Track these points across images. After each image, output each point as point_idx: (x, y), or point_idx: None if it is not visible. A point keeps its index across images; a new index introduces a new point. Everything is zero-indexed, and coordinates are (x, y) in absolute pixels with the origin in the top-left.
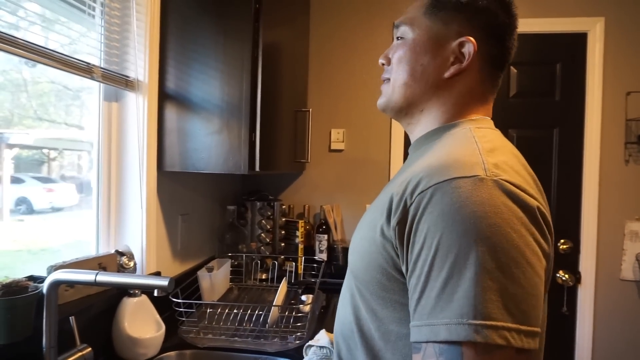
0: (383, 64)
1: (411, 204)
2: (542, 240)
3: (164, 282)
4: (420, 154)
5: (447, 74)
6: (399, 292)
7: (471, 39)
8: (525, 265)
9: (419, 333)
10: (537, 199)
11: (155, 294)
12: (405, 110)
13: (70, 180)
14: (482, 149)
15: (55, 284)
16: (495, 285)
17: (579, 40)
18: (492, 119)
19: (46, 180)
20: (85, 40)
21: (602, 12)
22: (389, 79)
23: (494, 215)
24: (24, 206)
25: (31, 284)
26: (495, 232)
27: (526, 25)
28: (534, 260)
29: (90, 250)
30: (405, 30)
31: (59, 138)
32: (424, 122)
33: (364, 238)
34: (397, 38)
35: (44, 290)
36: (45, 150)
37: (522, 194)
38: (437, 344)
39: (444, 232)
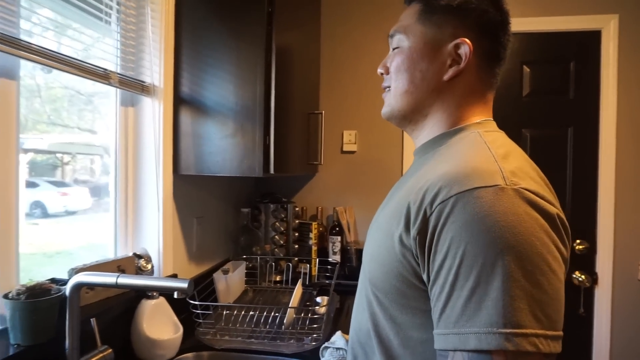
0: (382, 74)
1: (431, 213)
2: (561, 246)
3: (184, 284)
4: (428, 159)
5: (446, 77)
6: (420, 299)
7: (466, 40)
8: (549, 272)
9: (445, 341)
10: (555, 205)
11: (175, 296)
12: (409, 117)
13: (84, 184)
14: (497, 155)
15: (78, 287)
16: (522, 293)
17: (592, 38)
18: (505, 118)
19: (60, 184)
20: (101, 46)
21: (616, 10)
22: (389, 88)
23: (517, 224)
24: (38, 210)
25: (54, 286)
26: (520, 241)
27: (539, 23)
28: (555, 266)
29: (104, 253)
30: (400, 39)
31: (72, 142)
32: (429, 127)
33: (382, 246)
34: (394, 48)
35: (67, 293)
36: (59, 155)
37: (542, 201)
38: (466, 352)
39: (469, 242)
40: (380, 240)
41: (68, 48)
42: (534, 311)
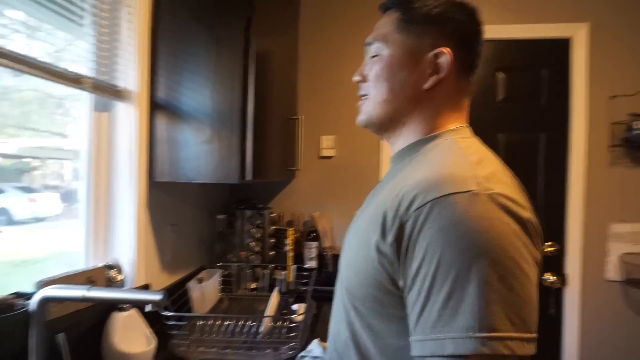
0: (359, 81)
1: (407, 219)
2: (533, 250)
3: (158, 297)
4: (405, 165)
5: (426, 86)
6: (397, 306)
7: (446, 49)
8: (522, 276)
9: (422, 347)
10: (528, 209)
11: (149, 308)
12: (387, 125)
13: (54, 189)
14: (471, 161)
15: (44, 301)
16: (497, 297)
17: (563, 46)
18: (480, 123)
19: (28, 190)
20: (74, 50)
21: (585, 18)
22: (366, 96)
23: (490, 229)
24: (4, 217)
25: (18, 301)
26: (494, 245)
27: (512, 31)
28: (528, 270)
29: (75, 261)
30: (379, 47)
31: (42, 147)
32: (406, 135)
33: (358, 254)
34: (372, 56)
35: (33, 308)
36: (27, 160)
37: (514, 206)
38: (443, 357)
39: (444, 248)
40: (356, 247)
41: (39, 51)
42: (509, 315)
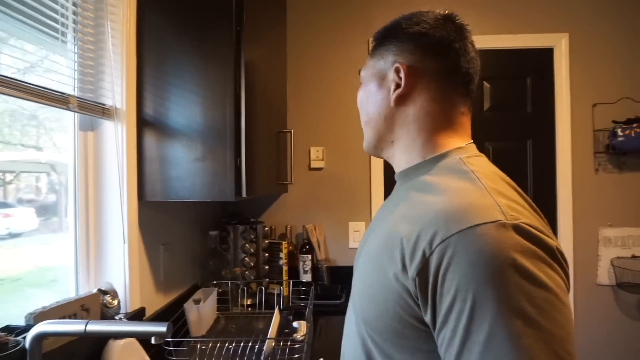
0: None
1: (431, 253)
2: (564, 278)
3: (162, 329)
4: (414, 187)
5: (392, 102)
6: (419, 339)
7: (402, 64)
8: (562, 306)
9: None
10: (552, 237)
11: (153, 341)
12: (377, 145)
13: (29, 203)
14: (489, 187)
15: (39, 338)
16: (540, 334)
17: (546, 55)
18: (468, 133)
19: (2, 205)
20: (57, 68)
21: (566, 28)
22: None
23: (524, 261)
24: None
25: (11, 338)
26: (530, 279)
27: (497, 41)
28: (565, 298)
29: (55, 276)
30: (361, 75)
31: (16, 160)
32: (400, 153)
33: (374, 284)
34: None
35: (27, 345)
36: (0, 174)
37: (541, 236)
38: None
39: (478, 284)
40: (371, 276)
41: (16, 69)
42: (556, 350)
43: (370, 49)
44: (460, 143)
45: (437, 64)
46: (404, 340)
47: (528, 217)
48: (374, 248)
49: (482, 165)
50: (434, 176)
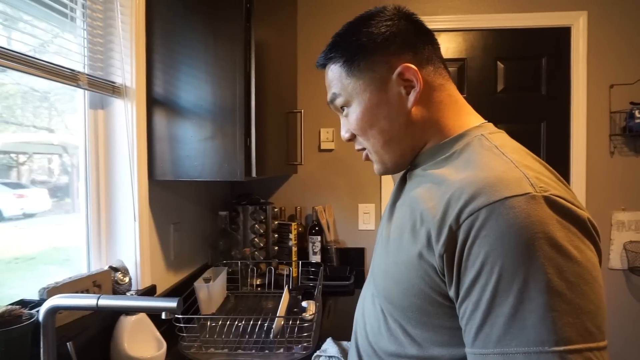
0: (350, 139)
1: (458, 227)
2: (595, 251)
3: (173, 304)
4: (435, 166)
5: (410, 104)
6: (443, 317)
7: (406, 64)
8: (592, 280)
9: None
10: (583, 208)
11: (163, 316)
12: (407, 158)
13: (42, 184)
14: (515, 160)
15: (53, 311)
16: (569, 307)
17: (563, 34)
18: (481, 114)
19: (16, 185)
20: (67, 45)
21: (585, 6)
22: (366, 149)
23: (555, 234)
24: None
25: (25, 311)
26: (559, 251)
27: (512, 20)
28: (596, 273)
29: (68, 256)
30: (343, 101)
31: (28, 142)
32: (430, 143)
33: (398, 262)
34: (342, 109)
35: (40, 318)
36: (13, 155)
37: (573, 207)
38: None
39: (506, 256)
40: (394, 255)
41: (26, 47)
42: (584, 324)
43: (341, 67)
44: (475, 122)
45: (425, 51)
46: (428, 317)
47: (557, 188)
48: (395, 228)
49: (505, 140)
50: (457, 155)
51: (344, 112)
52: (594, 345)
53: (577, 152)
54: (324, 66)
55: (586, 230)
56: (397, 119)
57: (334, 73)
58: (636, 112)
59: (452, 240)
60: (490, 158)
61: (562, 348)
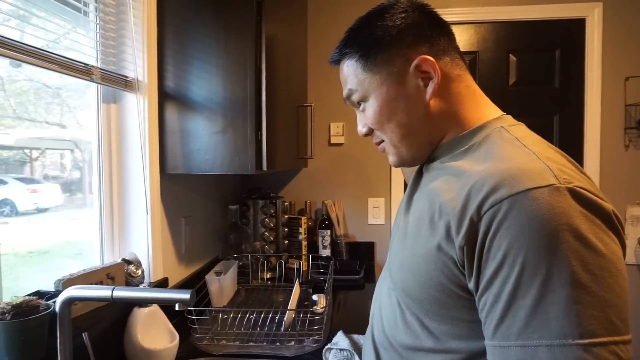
0: (367, 134)
1: (480, 219)
2: (619, 244)
3: (186, 296)
4: (454, 159)
5: (428, 96)
6: (462, 309)
7: (423, 56)
8: (617, 273)
9: (505, 354)
10: (607, 200)
11: (177, 308)
12: (426, 151)
13: (54, 180)
14: (537, 152)
15: (69, 301)
16: (593, 300)
17: (577, 26)
18: None
19: (29, 180)
20: (80, 40)
21: None
22: (383, 142)
23: (580, 226)
24: (7, 208)
25: (42, 302)
26: (584, 244)
27: (524, 12)
28: (621, 266)
29: (81, 250)
30: (360, 96)
31: (41, 137)
32: (448, 136)
33: (416, 255)
34: (359, 104)
35: (56, 309)
36: (27, 150)
37: (597, 200)
38: None
39: (530, 248)
40: (412, 248)
41: (40, 42)
42: (609, 317)
43: (357, 61)
44: (494, 114)
45: (442, 43)
46: (446, 310)
47: (581, 181)
48: (413, 220)
49: (525, 132)
50: (476, 147)
51: (361, 107)
52: (618, 339)
53: (590, 145)
54: (338, 62)
55: (611, 223)
56: (416, 112)
57: (350, 68)
58: None
59: (473, 232)
60: (512, 150)
61: (586, 341)
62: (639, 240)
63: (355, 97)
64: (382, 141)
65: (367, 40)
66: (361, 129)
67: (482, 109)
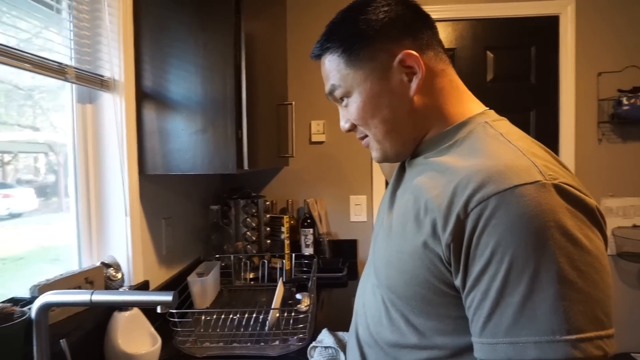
0: (350, 129)
1: (466, 216)
2: (602, 240)
3: (168, 298)
4: (438, 155)
5: (412, 92)
6: (448, 306)
7: (407, 50)
8: (601, 268)
9: (493, 351)
10: (591, 196)
11: (159, 310)
12: (409, 145)
13: (28, 184)
14: (522, 148)
15: (45, 307)
16: (580, 296)
17: (551, 23)
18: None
19: (1, 185)
20: (53, 39)
21: None
22: (367, 137)
23: (566, 223)
24: None
25: (16, 309)
26: (570, 240)
27: (501, 9)
28: (605, 261)
29: (57, 255)
30: (342, 92)
31: (13, 140)
32: (432, 131)
33: (401, 252)
34: (342, 99)
35: (33, 315)
36: None
37: (582, 196)
38: None
39: (518, 246)
40: (397, 245)
41: (12, 40)
42: (595, 312)
43: (339, 57)
44: (477, 109)
45: (425, 35)
46: (432, 307)
47: (565, 177)
48: (397, 217)
49: (509, 127)
50: (460, 142)
51: (344, 103)
52: (603, 333)
53: (566, 140)
54: (319, 57)
55: (594, 218)
56: (400, 107)
57: (332, 64)
58: (624, 99)
59: (460, 229)
60: (497, 146)
61: (574, 337)
62: (612, 231)
63: (338, 93)
64: (366, 136)
65: (349, 35)
66: (344, 124)
67: (465, 103)
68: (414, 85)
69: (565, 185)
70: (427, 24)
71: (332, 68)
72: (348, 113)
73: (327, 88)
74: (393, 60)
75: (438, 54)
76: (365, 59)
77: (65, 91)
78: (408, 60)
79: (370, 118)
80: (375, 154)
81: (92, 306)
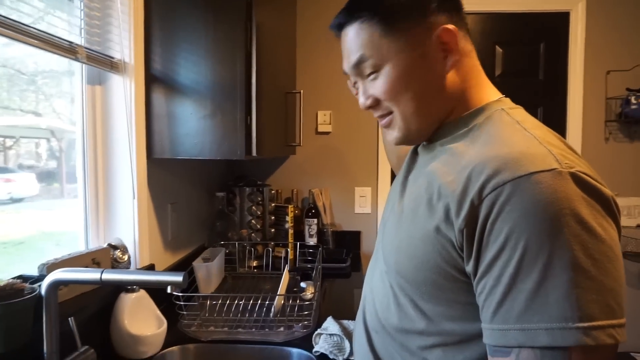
0: (371, 106)
1: (480, 202)
2: (616, 230)
3: (179, 278)
4: (453, 141)
5: (448, 69)
6: (458, 291)
7: (446, 26)
8: (615, 258)
9: (504, 337)
10: (606, 186)
11: (169, 290)
12: (434, 126)
13: (29, 169)
14: (538, 136)
15: (55, 285)
16: (593, 284)
17: (561, 20)
18: None
19: (3, 170)
20: (66, 18)
21: None
22: (389, 115)
23: (581, 211)
24: None
25: (26, 285)
26: (585, 228)
27: (511, 4)
28: (618, 251)
29: (59, 240)
30: (373, 63)
31: (15, 125)
32: (453, 114)
33: (412, 237)
34: (369, 73)
35: (43, 292)
36: (0, 139)
37: (598, 185)
38: (537, 349)
39: (532, 233)
40: (408, 229)
41: (23, 17)
42: (607, 301)
43: (374, 26)
44: (494, 95)
45: (459, 17)
46: (442, 292)
47: (581, 165)
48: (409, 202)
49: (525, 116)
50: (476, 129)
51: (372, 77)
52: (615, 322)
53: (572, 137)
54: (343, 26)
55: (609, 208)
56: (433, 83)
57: (364, 32)
58: (632, 98)
59: (474, 215)
60: (512, 133)
61: (585, 324)
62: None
63: (367, 65)
64: (389, 114)
65: (386, 3)
66: (364, 101)
67: (485, 89)
68: (449, 62)
69: (581, 174)
70: (458, 3)
71: (364, 37)
72: (374, 87)
73: (354, 59)
74: (431, 34)
75: (466, 35)
76: (402, 30)
77: (69, 77)
78: (445, 36)
79: (402, 92)
80: (397, 133)
81: (102, 285)
